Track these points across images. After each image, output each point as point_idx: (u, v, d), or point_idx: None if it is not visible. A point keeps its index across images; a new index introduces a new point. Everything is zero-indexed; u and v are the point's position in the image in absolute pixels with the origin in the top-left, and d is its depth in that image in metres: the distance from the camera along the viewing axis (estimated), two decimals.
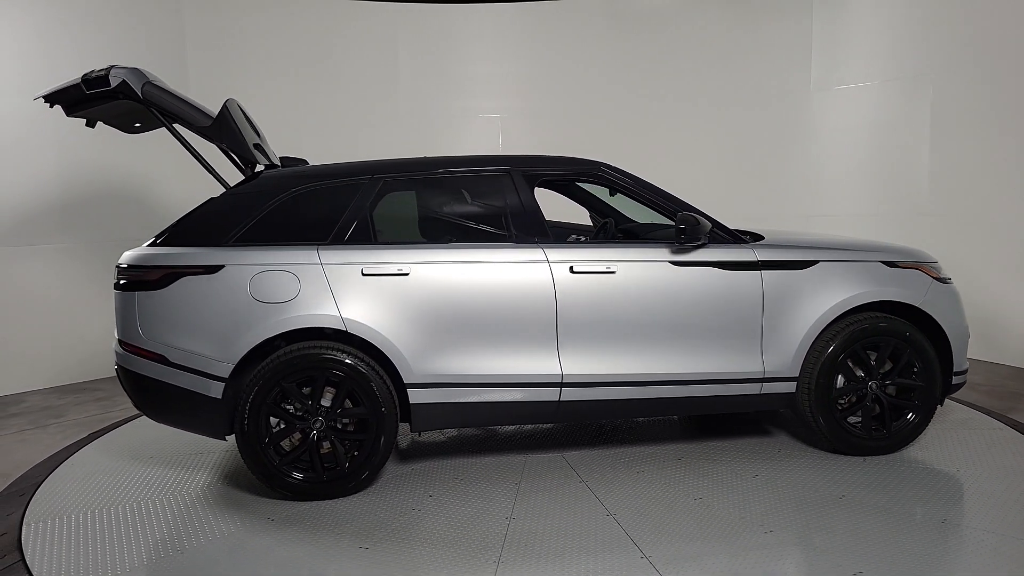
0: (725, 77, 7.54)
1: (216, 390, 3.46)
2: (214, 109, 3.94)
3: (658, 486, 3.63)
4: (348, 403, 3.55)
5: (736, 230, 4.02)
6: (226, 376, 3.45)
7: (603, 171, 3.93)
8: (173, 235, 3.62)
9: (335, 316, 3.49)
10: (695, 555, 2.93)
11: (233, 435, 3.55)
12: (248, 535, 3.23)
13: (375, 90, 7.65)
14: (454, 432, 4.55)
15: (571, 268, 3.66)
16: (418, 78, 7.77)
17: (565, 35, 7.82)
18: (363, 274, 3.53)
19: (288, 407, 3.52)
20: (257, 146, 3.97)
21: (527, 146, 7.33)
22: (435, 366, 3.58)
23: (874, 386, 3.91)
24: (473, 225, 3.86)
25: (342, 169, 3.79)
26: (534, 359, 3.65)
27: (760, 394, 3.87)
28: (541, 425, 4.61)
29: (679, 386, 3.77)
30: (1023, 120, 5.81)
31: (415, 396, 3.59)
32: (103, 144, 5.96)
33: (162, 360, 3.48)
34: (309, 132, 7.21)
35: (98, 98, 3.57)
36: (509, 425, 4.52)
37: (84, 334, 6.26)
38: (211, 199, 3.69)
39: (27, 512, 3.56)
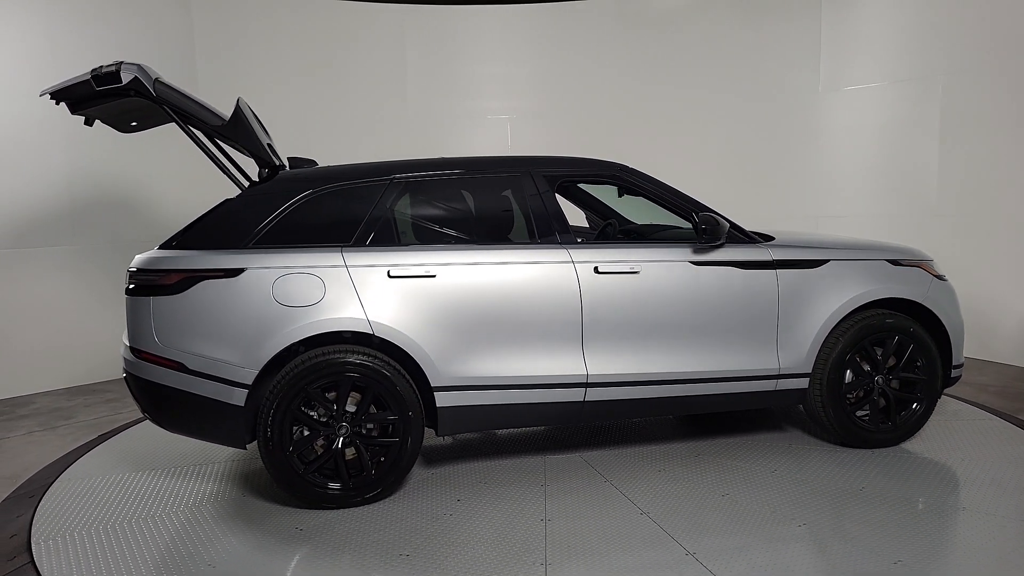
0: (734, 78, 7.53)
1: (239, 397, 3.35)
2: (219, 109, 3.82)
3: (683, 483, 3.67)
4: (371, 408, 3.49)
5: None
6: (250, 383, 3.34)
7: (622, 173, 3.96)
8: (188, 238, 3.50)
9: (362, 319, 3.42)
10: (737, 548, 2.98)
11: (250, 443, 3.45)
12: (280, 545, 3.14)
13: (383, 91, 7.63)
14: (464, 435, 4.51)
15: (596, 268, 3.67)
16: (426, 79, 7.75)
17: (573, 36, 7.82)
18: (389, 276, 3.48)
19: (311, 413, 3.43)
20: (268, 146, 3.86)
21: (535, 147, 7.34)
22: (461, 369, 3.54)
23: (880, 380, 4.04)
24: (497, 226, 3.83)
25: (362, 169, 3.73)
26: (560, 360, 3.65)
27: (775, 390, 3.95)
28: (548, 425, 4.60)
29: (699, 384, 3.82)
30: None
31: (441, 399, 3.55)
32: (112, 146, 5.95)
33: (180, 368, 3.35)
34: (317, 133, 7.12)
35: (107, 95, 3.42)
36: (533, 427, 4.50)
37: (93, 336, 6.25)
38: (227, 200, 3.58)
39: (36, 513, 3.53)
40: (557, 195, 4.79)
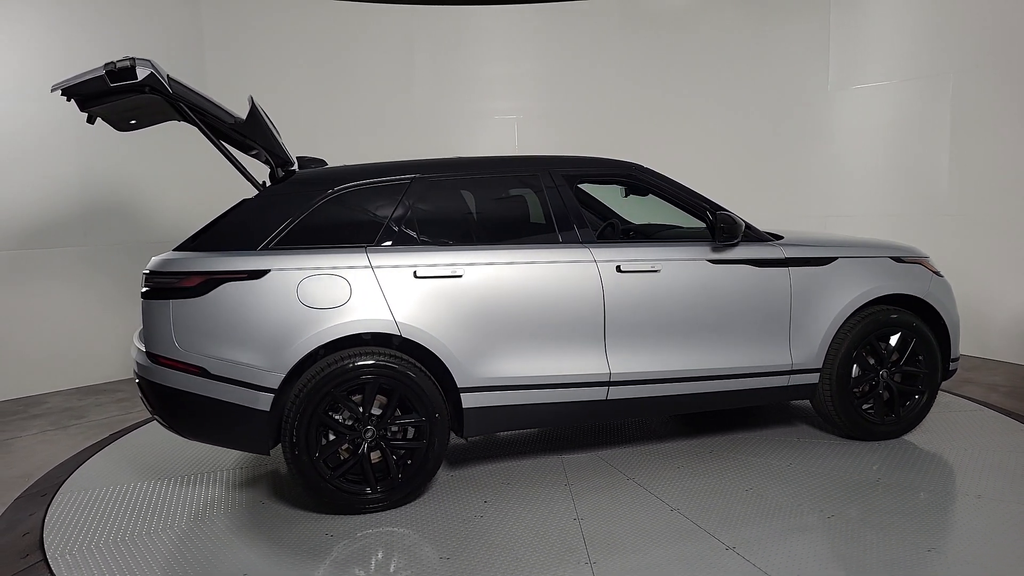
0: (742, 77, 7.50)
1: (264, 402, 3.27)
2: (230, 108, 3.73)
3: (704, 479, 3.71)
4: (396, 411, 3.44)
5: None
6: (276, 386, 3.26)
7: (638, 172, 3.99)
8: (207, 239, 3.39)
9: (389, 320, 3.37)
10: (773, 540, 3.02)
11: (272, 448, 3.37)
12: (313, 552, 3.06)
13: (390, 91, 7.60)
14: (477, 437, 4.47)
15: (618, 267, 3.69)
16: (433, 79, 7.71)
17: (581, 36, 7.81)
18: (416, 276, 3.43)
19: (337, 416, 3.36)
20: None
21: (542, 147, 7.35)
22: (487, 369, 3.52)
23: (884, 374, 4.15)
24: (519, 226, 3.82)
25: (382, 168, 3.67)
26: (583, 359, 3.65)
27: (788, 386, 4.03)
28: (571, 425, 4.60)
29: (718, 381, 3.88)
30: None
31: (468, 400, 3.52)
32: (124, 148, 6.09)
33: (202, 373, 3.25)
34: (323, 132, 7.04)
35: (120, 92, 3.29)
36: (556, 427, 4.48)
37: (105, 336, 6.32)
38: (245, 200, 3.49)
39: (49, 512, 3.55)
40: None
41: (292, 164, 3.72)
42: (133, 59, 3.28)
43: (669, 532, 3.14)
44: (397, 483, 3.42)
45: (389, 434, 3.42)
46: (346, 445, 3.37)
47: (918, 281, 4.20)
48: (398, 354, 3.40)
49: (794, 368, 4.00)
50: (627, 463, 3.97)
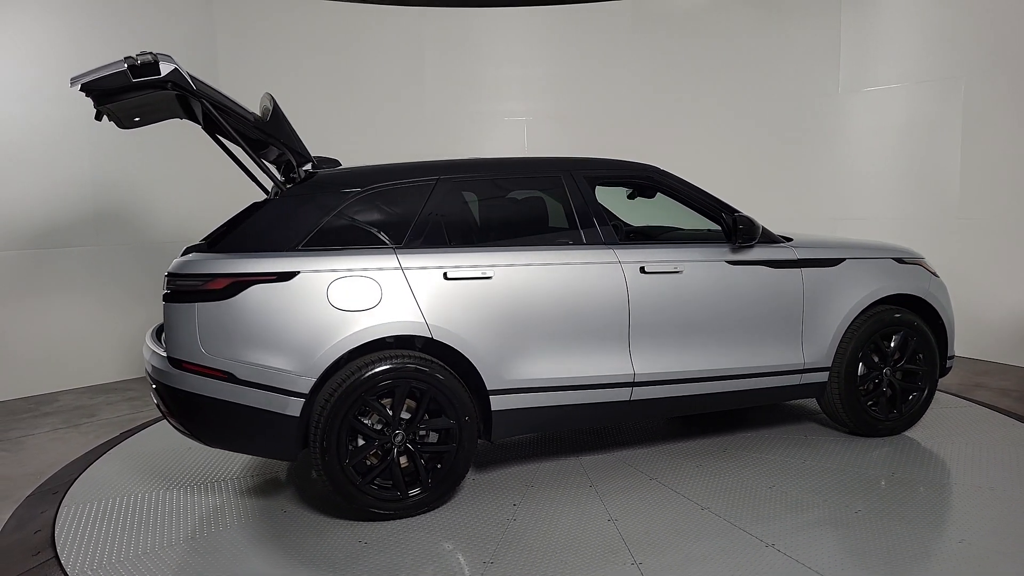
0: (753, 79, 7.48)
1: (294, 407, 3.18)
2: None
3: (725, 477, 3.76)
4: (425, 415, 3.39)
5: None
6: (307, 391, 3.18)
7: (655, 174, 4.02)
8: (232, 240, 3.29)
9: (420, 323, 3.32)
10: (807, 535, 3.08)
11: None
12: (350, 560, 2.99)
13: (400, 92, 7.55)
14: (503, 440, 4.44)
15: (642, 268, 3.71)
16: (443, 81, 7.67)
17: (591, 38, 7.79)
18: (446, 278, 3.39)
19: (366, 421, 3.30)
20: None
21: (552, 149, 7.34)
22: (516, 371, 3.50)
23: (888, 372, 4.27)
24: (543, 227, 3.81)
25: (407, 169, 3.62)
26: (609, 359, 3.67)
27: (799, 384, 4.12)
28: (595, 426, 4.59)
29: (735, 380, 3.93)
30: None
31: (496, 403, 3.49)
32: (136, 148, 6.22)
33: (229, 378, 3.15)
34: (334, 133, 6.94)
35: (141, 87, 3.17)
36: (581, 427, 4.46)
37: (116, 335, 6.36)
38: (270, 201, 3.40)
39: (60, 509, 3.57)
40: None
41: (313, 163, 3.64)
42: (155, 54, 3.16)
43: (706, 530, 3.17)
44: (428, 487, 3.37)
45: (417, 438, 3.37)
46: (374, 450, 3.31)
47: (919, 281, 4.34)
48: (428, 357, 3.36)
49: (806, 367, 4.09)
50: (646, 463, 3.99)
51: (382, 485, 3.32)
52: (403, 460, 3.36)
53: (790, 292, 4.02)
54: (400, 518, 3.35)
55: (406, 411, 3.35)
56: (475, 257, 3.47)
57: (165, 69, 3.13)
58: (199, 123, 4.23)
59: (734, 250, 3.93)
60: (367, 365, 3.25)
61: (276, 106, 3.46)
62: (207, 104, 3.29)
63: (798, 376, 4.09)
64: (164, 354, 3.28)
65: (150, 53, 3.18)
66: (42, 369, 6.01)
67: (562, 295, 3.56)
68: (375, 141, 7.33)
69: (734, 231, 3.89)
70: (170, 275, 3.22)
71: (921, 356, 4.32)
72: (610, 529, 3.21)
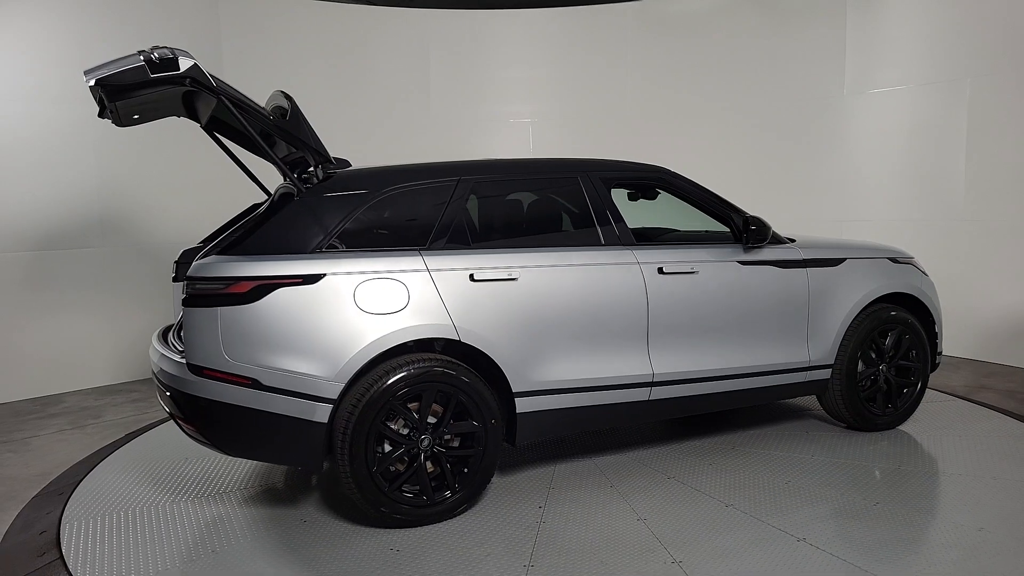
0: (758, 81, 7.45)
1: (322, 414, 3.10)
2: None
3: (740, 474, 3.81)
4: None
5: None
6: (336, 396, 3.10)
7: (667, 175, 4.06)
8: (254, 241, 3.18)
9: (448, 325, 3.27)
10: (833, 528, 3.15)
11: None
12: (388, 569, 2.92)
13: (406, 93, 7.50)
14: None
15: (660, 269, 3.74)
16: (449, 82, 7.62)
17: (596, 40, 7.76)
18: (472, 279, 3.35)
19: (392, 426, 3.23)
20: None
21: (557, 151, 7.30)
22: (541, 373, 3.49)
23: (884, 368, 4.41)
24: (563, 227, 3.81)
25: (427, 169, 3.57)
26: (629, 360, 3.68)
27: (805, 381, 4.21)
28: (614, 426, 4.53)
29: (747, 378, 4.00)
30: None
31: (521, 405, 3.47)
32: (141, 149, 6.25)
33: (253, 384, 3.05)
34: (340, 134, 6.85)
35: (158, 83, 3.04)
36: (600, 428, 4.42)
37: (121, 336, 6.35)
38: (294, 201, 3.30)
39: (66, 510, 3.56)
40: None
41: (332, 163, 3.56)
42: (172, 49, 3.05)
43: (735, 527, 3.21)
44: (457, 492, 3.33)
45: (441, 442, 3.32)
46: (401, 456, 3.25)
47: (912, 280, 4.49)
48: (453, 360, 3.31)
49: (811, 364, 4.18)
50: (660, 462, 4.02)
51: (410, 491, 3.25)
52: (428, 465, 3.30)
53: (797, 291, 4.11)
54: (425, 524, 3.29)
55: (431, 415, 3.30)
56: (500, 258, 3.44)
57: (184, 64, 3.02)
58: (198, 122, 4.11)
59: (745, 250, 4.00)
60: (395, 369, 3.18)
61: (295, 105, 3.37)
62: (226, 101, 3.17)
63: (804, 373, 4.18)
64: (181, 359, 3.16)
65: (166, 48, 3.07)
66: (48, 370, 6.01)
67: (585, 296, 3.56)
68: (380, 143, 7.25)
69: (746, 232, 3.96)
70: (190, 278, 3.10)
71: (914, 352, 4.46)
72: (641, 528, 3.22)
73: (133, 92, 3.08)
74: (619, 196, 4.63)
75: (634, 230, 4.64)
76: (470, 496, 3.38)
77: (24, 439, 4.86)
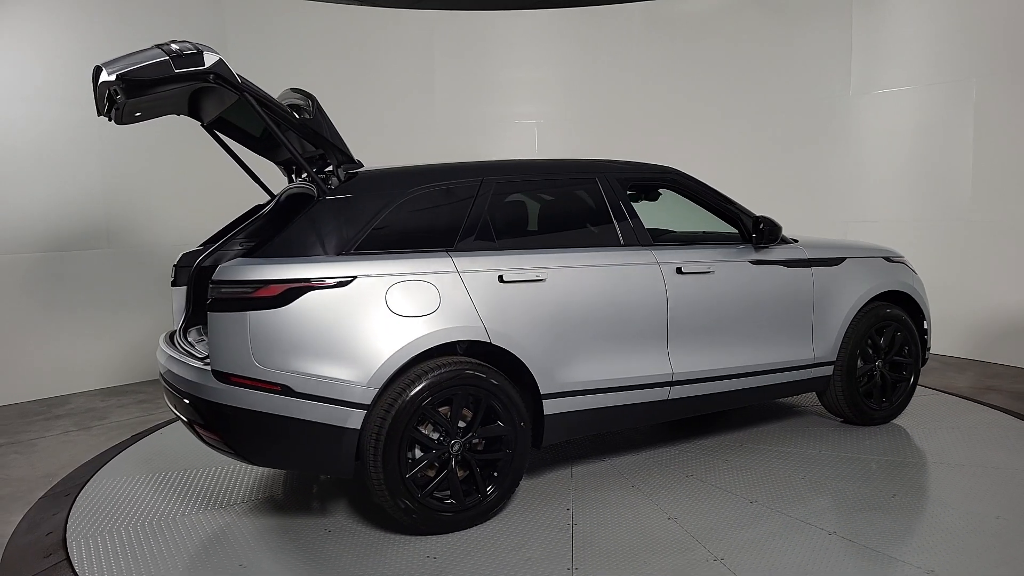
0: (763, 82, 7.44)
1: (355, 420, 3.01)
2: None
3: (756, 470, 3.87)
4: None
5: None
6: (369, 402, 3.02)
7: (677, 176, 4.10)
8: (277, 245, 3.08)
9: (479, 327, 3.23)
10: (858, 518, 3.22)
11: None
12: None
13: (411, 94, 7.46)
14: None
15: (678, 269, 3.77)
16: (454, 84, 7.56)
17: (602, 41, 7.73)
18: (501, 281, 3.32)
19: (423, 430, 3.17)
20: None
21: (563, 152, 7.28)
22: (567, 374, 3.47)
23: (880, 364, 4.54)
24: (585, 228, 3.80)
25: (450, 169, 3.52)
26: (650, 359, 3.70)
27: (809, 378, 4.30)
28: (635, 426, 4.48)
29: (758, 376, 4.07)
30: None
31: (549, 407, 3.45)
32: (146, 150, 6.29)
33: (284, 391, 2.95)
34: (345, 135, 6.76)
35: (181, 79, 2.91)
36: (622, 429, 4.35)
37: (127, 337, 6.36)
38: (320, 202, 3.20)
39: (72, 512, 3.56)
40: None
41: (355, 163, 3.47)
42: (194, 44, 2.93)
43: (764, 522, 3.24)
44: (487, 496, 3.28)
45: (471, 446, 3.27)
46: (433, 461, 3.18)
47: (905, 278, 4.64)
48: (482, 363, 3.27)
49: (815, 362, 4.28)
50: (676, 461, 4.04)
51: (441, 497, 3.19)
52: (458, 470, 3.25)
53: (804, 290, 4.20)
54: (457, 531, 3.23)
55: (460, 419, 3.25)
56: (528, 259, 3.41)
57: (209, 60, 2.91)
58: (199, 120, 3.97)
59: (756, 250, 4.07)
60: (426, 372, 3.12)
61: (318, 104, 3.28)
62: (252, 99, 3.06)
63: (809, 370, 4.27)
64: (203, 366, 3.03)
65: (186, 42, 2.95)
66: (54, 372, 6.02)
67: (609, 296, 3.57)
68: (384, 144, 7.13)
69: (755, 232, 4.02)
70: (215, 282, 2.98)
71: (907, 348, 4.61)
72: (673, 527, 3.23)
73: (155, 88, 2.93)
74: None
75: None
76: (499, 500, 3.34)
77: (30, 440, 4.87)
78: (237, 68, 7.01)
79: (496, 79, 7.80)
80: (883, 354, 4.53)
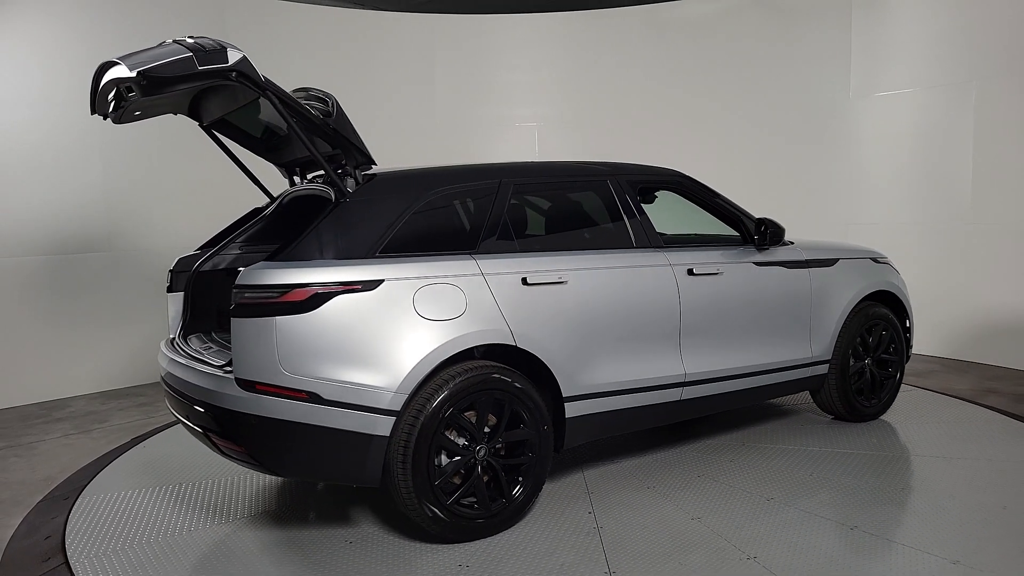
0: (763, 85, 7.43)
1: (384, 427, 2.93)
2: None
3: (764, 468, 3.93)
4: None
5: None
6: (399, 408, 2.94)
7: (682, 179, 4.14)
8: (300, 248, 2.98)
9: (504, 330, 3.19)
10: (876, 512, 3.30)
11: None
12: None
13: (412, 98, 7.42)
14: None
15: (690, 270, 3.80)
16: (454, 86, 7.51)
17: (601, 44, 7.69)
18: (525, 283, 3.28)
19: (450, 437, 3.11)
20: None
21: (563, 155, 7.16)
22: (588, 376, 3.46)
23: (869, 362, 4.67)
24: (601, 229, 3.79)
25: (468, 171, 3.48)
26: (664, 360, 3.72)
27: (806, 377, 4.39)
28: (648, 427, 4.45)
29: (762, 375, 4.13)
30: None
31: (570, 409, 3.43)
32: (148, 153, 6.31)
33: (312, 399, 2.85)
34: None
35: (201, 76, 2.79)
36: (637, 430, 4.27)
37: (128, 340, 6.34)
38: (342, 204, 3.10)
39: (71, 515, 3.54)
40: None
41: (375, 164, 3.39)
42: (214, 40, 2.82)
43: (786, 520, 3.29)
44: (513, 501, 3.24)
45: (495, 451, 3.23)
46: (460, 467, 3.13)
47: (891, 278, 4.79)
48: (506, 367, 3.23)
49: (813, 360, 4.37)
50: (685, 461, 4.07)
51: (467, 503, 3.14)
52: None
53: (802, 290, 4.29)
54: (483, 537, 3.18)
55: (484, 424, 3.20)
56: (550, 261, 3.39)
57: (233, 57, 2.80)
58: (197, 120, 3.83)
59: (759, 251, 4.14)
60: (454, 377, 3.06)
61: (338, 104, 3.20)
62: (274, 98, 2.96)
63: (807, 369, 4.36)
64: (221, 373, 2.92)
65: (205, 38, 2.83)
66: (54, 374, 6.01)
67: (628, 298, 3.57)
68: (384, 146, 6.94)
69: (757, 234, 4.09)
70: (239, 287, 2.86)
71: (893, 346, 4.76)
72: (700, 527, 3.25)
73: (176, 86, 2.80)
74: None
75: None
76: (524, 504, 3.30)
77: (30, 443, 4.86)
78: None
79: (496, 82, 7.77)
80: (872, 352, 4.66)
